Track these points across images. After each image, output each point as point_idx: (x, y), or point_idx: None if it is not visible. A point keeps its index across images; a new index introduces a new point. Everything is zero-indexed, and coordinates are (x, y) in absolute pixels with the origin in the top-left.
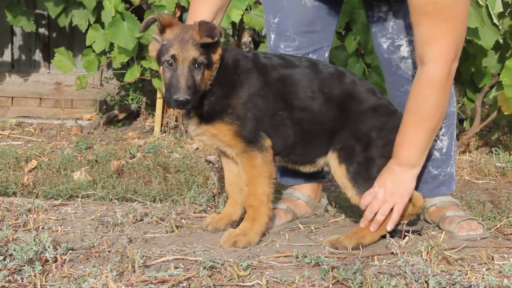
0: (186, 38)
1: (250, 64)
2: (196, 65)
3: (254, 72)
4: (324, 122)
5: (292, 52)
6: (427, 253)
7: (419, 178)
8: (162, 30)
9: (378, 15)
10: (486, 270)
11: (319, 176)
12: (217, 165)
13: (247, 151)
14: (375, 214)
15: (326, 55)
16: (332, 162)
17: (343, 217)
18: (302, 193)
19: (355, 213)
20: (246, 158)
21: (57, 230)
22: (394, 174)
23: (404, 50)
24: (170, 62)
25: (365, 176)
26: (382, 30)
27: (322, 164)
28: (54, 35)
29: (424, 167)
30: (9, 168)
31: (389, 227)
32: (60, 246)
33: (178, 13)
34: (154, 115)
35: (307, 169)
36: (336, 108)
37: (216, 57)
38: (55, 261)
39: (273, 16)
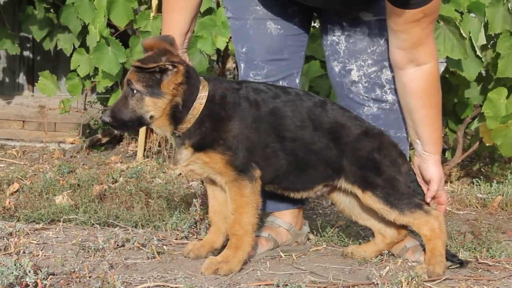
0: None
1: (241, 98)
2: (132, 91)
3: (245, 106)
4: (317, 151)
5: (261, 80)
6: (408, 283)
7: None
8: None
9: (332, 38)
10: None
11: (299, 202)
12: (199, 191)
13: (238, 179)
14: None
15: (297, 81)
16: (357, 193)
17: (325, 246)
18: (284, 220)
19: (336, 241)
20: (236, 186)
21: (38, 255)
22: (440, 163)
23: (355, 75)
24: None
25: (396, 195)
26: (334, 53)
27: (318, 192)
28: (38, 58)
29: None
30: None
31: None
32: (41, 271)
33: None
34: (137, 140)
35: (299, 195)
36: (327, 136)
37: (168, 86)
38: (36, 286)
39: (241, 46)
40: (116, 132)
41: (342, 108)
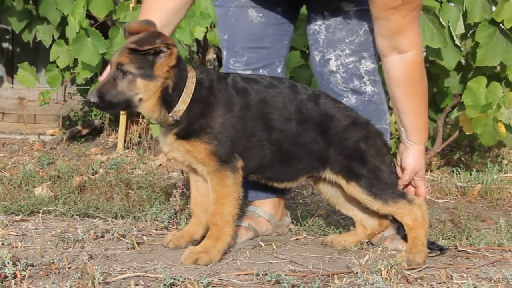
0: (126, 43)
1: (229, 85)
2: (122, 72)
3: (233, 93)
4: (303, 143)
5: (241, 68)
6: (387, 272)
7: None
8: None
9: (314, 27)
10: None
11: (279, 192)
12: (179, 182)
13: (220, 170)
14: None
15: (279, 70)
16: (341, 183)
17: (305, 235)
18: (264, 210)
19: (316, 231)
20: (218, 177)
21: (17, 246)
22: (423, 154)
23: (333, 64)
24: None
25: (380, 185)
26: (315, 43)
27: (302, 182)
28: (17, 50)
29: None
30: None
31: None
32: (20, 262)
33: None
34: (117, 131)
35: (283, 185)
36: (315, 130)
37: (162, 68)
38: (15, 277)
39: (223, 33)
40: (99, 112)
41: (334, 100)
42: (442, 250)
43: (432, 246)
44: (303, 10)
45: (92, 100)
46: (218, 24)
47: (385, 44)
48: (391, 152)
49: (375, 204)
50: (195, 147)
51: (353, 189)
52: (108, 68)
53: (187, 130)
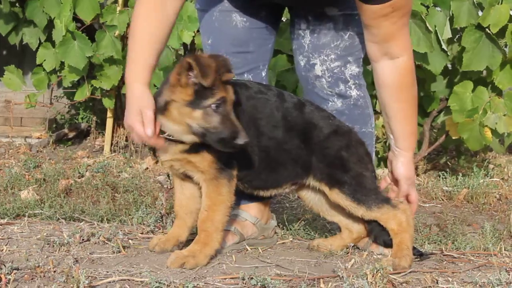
0: (224, 78)
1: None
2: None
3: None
4: (289, 150)
5: None
6: (373, 276)
7: None
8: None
9: (298, 32)
10: None
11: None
12: (166, 186)
13: (217, 178)
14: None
15: (263, 74)
16: (324, 190)
17: (291, 239)
18: (249, 214)
19: (302, 235)
20: (214, 185)
21: (2, 250)
22: (412, 160)
23: (318, 69)
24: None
25: (363, 191)
26: (300, 47)
27: (286, 189)
28: (4, 52)
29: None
30: None
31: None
32: (5, 266)
33: None
34: (104, 134)
35: (268, 193)
36: (300, 137)
37: None
38: None
39: (207, 38)
40: (86, 115)
41: (318, 109)
42: (421, 255)
43: (413, 251)
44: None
45: (245, 141)
46: (201, 28)
47: (376, 50)
48: (379, 155)
49: (359, 210)
50: (200, 157)
51: (336, 195)
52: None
53: (195, 145)
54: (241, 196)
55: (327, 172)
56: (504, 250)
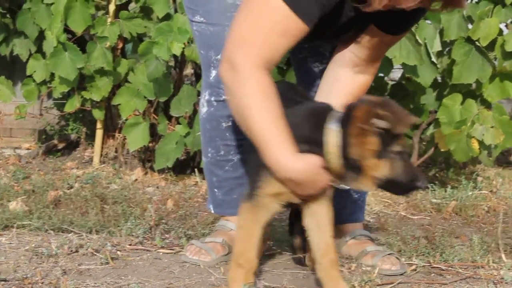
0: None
1: None
2: None
3: None
4: None
5: None
6: (361, 287)
7: (338, 203)
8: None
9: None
10: None
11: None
12: (154, 197)
13: None
14: None
15: None
16: None
17: (279, 250)
18: (235, 224)
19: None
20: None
21: None
22: None
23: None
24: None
25: None
26: (316, 55)
27: None
28: None
29: (345, 191)
30: None
31: None
32: None
33: (121, 45)
34: (93, 146)
35: None
36: None
37: None
38: None
39: (215, 52)
40: (75, 126)
41: None
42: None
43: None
44: None
45: (425, 184)
46: (204, 42)
47: (354, 61)
48: None
49: None
50: None
51: None
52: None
53: None
54: (227, 206)
55: None
56: (492, 262)
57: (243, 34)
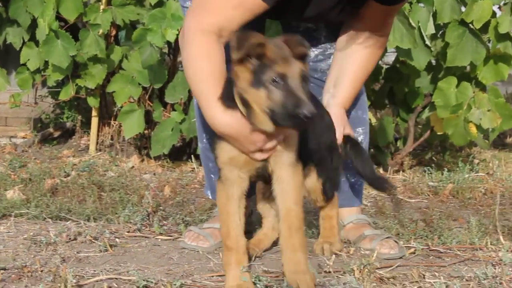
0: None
1: None
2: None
3: None
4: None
5: None
6: (360, 271)
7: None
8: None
9: (306, 25)
10: None
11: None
12: (152, 184)
13: None
14: None
15: None
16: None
17: (277, 236)
18: None
19: None
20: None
21: None
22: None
23: (331, 59)
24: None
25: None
26: (311, 40)
27: None
28: None
29: (342, 176)
30: None
31: None
32: None
33: (114, 32)
34: (89, 133)
35: None
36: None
37: None
38: None
39: None
40: (71, 114)
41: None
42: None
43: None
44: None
45: (310, 111)
46: None
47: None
48: None
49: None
50: None
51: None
52: None
53: None
54: None
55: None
56: (490, 244)
57: (200, 3)
